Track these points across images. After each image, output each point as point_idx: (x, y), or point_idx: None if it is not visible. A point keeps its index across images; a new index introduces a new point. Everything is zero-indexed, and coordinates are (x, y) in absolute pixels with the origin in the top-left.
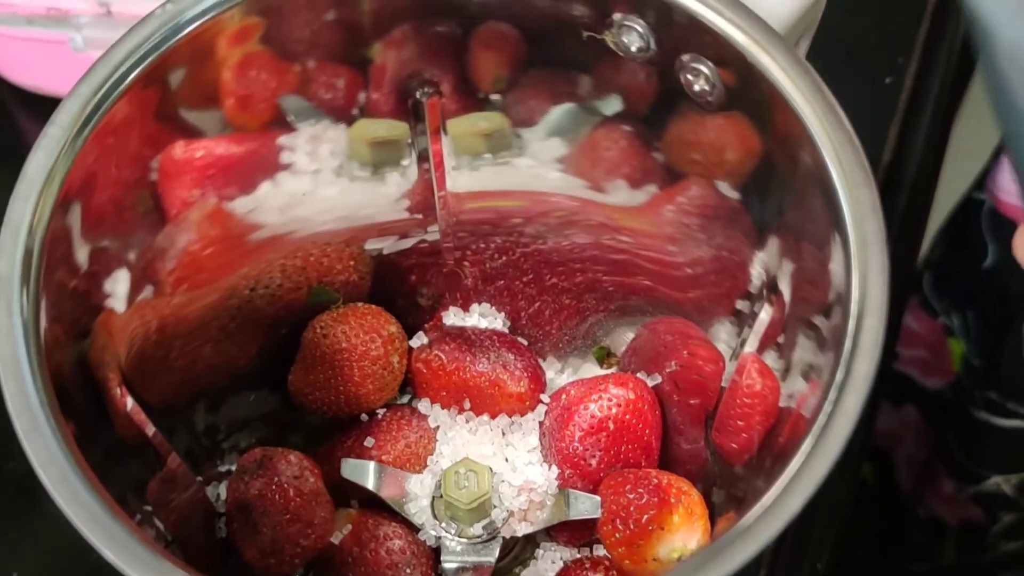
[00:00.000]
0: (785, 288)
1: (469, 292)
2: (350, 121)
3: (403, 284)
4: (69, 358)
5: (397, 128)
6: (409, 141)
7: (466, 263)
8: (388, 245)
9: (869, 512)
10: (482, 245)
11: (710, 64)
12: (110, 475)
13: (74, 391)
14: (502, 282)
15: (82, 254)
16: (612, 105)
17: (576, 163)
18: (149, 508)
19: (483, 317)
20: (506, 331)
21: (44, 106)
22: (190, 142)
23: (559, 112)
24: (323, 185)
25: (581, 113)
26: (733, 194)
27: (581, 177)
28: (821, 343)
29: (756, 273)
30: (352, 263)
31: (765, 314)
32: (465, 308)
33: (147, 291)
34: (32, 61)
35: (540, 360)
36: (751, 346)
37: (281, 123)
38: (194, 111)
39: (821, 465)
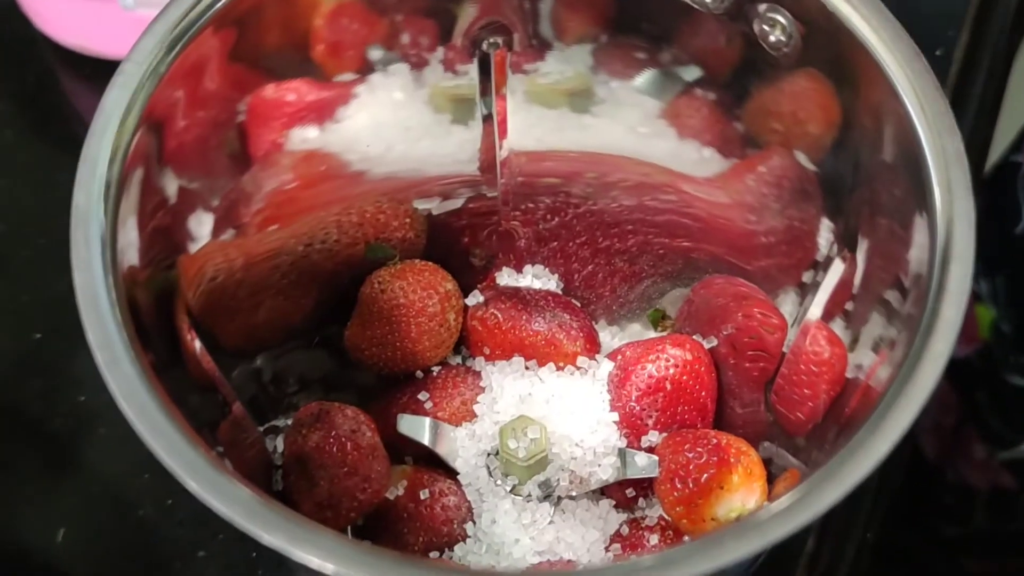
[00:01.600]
0: (860, 254)
1: (523, 253)
2: (430, 77)
3: (457, 244)
4: (147, 295)
5: (471, 83)
6: (476, 97)
7: (520, 223)
8: (442, 205)
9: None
10: (536, 205)
11: (786, 13)
12: (186, 411)
13: (151, 327)
14: (556, 243)
15: (165, 191)
16: (693, 71)
17: (655, 129)
18: (221, 449)
19: (536, 278)
20: (560, 292)
21: (91, 67)
22: (280, 84)
23: (642, 77)
24: (404, 139)
25: (663, 79)
26: (811, 164)
27: (659, 143)
28: (893, 313)
29: (825, 240)
30: (408, 220)
31: (833, 276)
32: (519, 269)
33: (228, 233)
34: (80, 21)
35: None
36: (815, 312)
37: (367, 72)
38: (281, 54)
39: (892, 433)
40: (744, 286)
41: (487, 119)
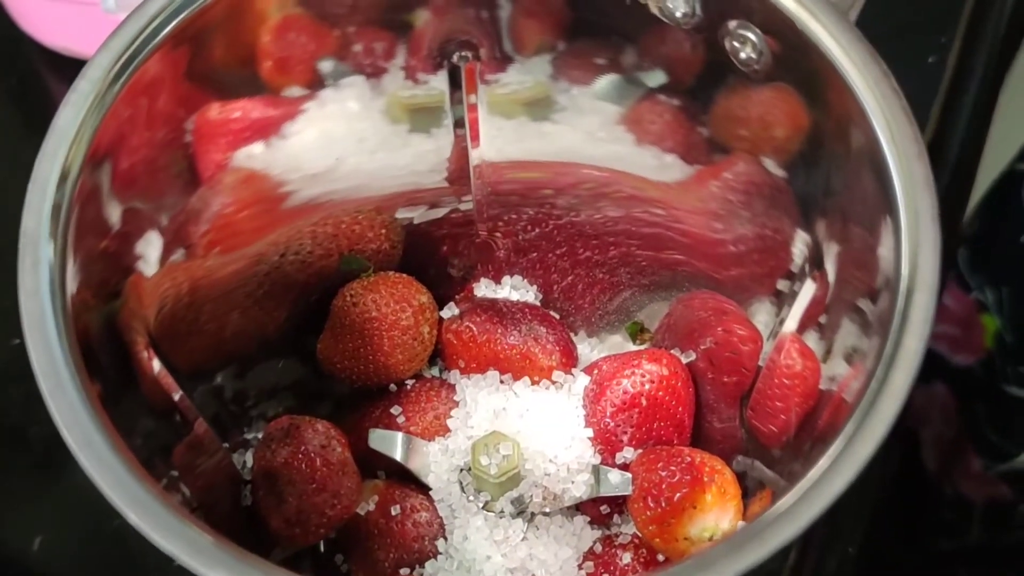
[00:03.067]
0: (830, 267)
1: (501, 264)
2: (388, 86)
3: (434, 254)
4: (97, 319)
5: (434, 94)
6: (445, 107)
7: (499, 234)
8: (420, 214)
9: (895, 492)
10: (515, 216)
11: (757, 31)
12: (136, 437)
13: (101, 352)
14: (535, 254)
15: (114, 214)
16: (657, 77)
17: (618, 135)
18: (175, 473)
19: (515, 289)
20: (538, 304)
21: (75, 68)
22: (226, 103)
23: (602, 83)
24: (358, 151)
25: (625, 85)
26: (780, 171)
27: (623, 150)
28: (866, 324)
29: (799, 252)
30: (384, 231)
31: (807, 293)
32: (497, 280)
33: (179, 254)
34: (63, 23)
35: (572, 335)
36: (790, 326)
37: (318, 86)
38: (229, 72)
39: (866, 447)
40: (723, 301)
41: (458, 129)
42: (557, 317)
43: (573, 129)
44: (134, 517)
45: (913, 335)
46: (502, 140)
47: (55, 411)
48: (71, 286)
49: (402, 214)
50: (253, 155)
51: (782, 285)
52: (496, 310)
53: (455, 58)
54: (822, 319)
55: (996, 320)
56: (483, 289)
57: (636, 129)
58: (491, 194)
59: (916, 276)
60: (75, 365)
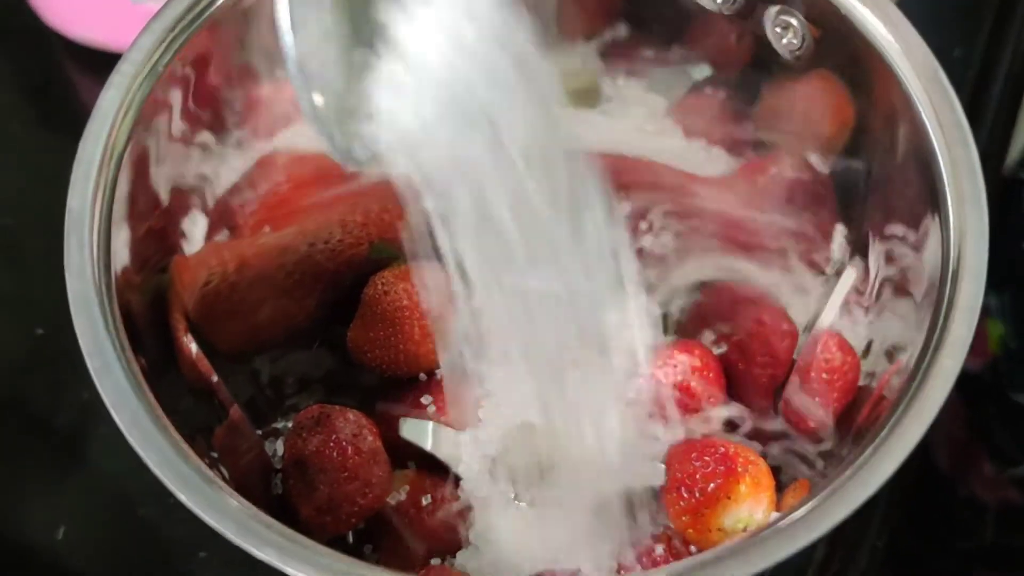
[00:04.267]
0: (872, 260)
1: None
2: None
3: None
4: (141, 298)
5: None
6: None
7: None
8: None
9: (914, 490)
10: None
11: (799, 16)
12: (180, 417)
13: (145, 331)
14: None
15: (162, 192)
16: (702, 69)
17: (666, 128)
18: (216, 455)
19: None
20: None
21: (100, 61)
22: (277, 83)
23: (648, 74)
24: None
25: (671, 77)
26: (823, 166)
27: (669, 143)
28: (909, 318)
29: (839, 245)
30: None
31: (845, 286)
32: None
33: (223, 234)
34: (87, 14)
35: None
36: (828, 319)
37: None
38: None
39: (907, 443)
40: (754, 291)
41: None
42: None
43: (620, 120)
44: (182, 495)
45: (961, 323)
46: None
47: (103, 390)
48: (116, 265)
49: None
50: (302, 137)
51: (819, 281)
52: None
53: None
54: (861, 313)
55: (1000, 325)
56: None
57: (683, 122)
58: None
59: (962, 263)
60: (121, 345)
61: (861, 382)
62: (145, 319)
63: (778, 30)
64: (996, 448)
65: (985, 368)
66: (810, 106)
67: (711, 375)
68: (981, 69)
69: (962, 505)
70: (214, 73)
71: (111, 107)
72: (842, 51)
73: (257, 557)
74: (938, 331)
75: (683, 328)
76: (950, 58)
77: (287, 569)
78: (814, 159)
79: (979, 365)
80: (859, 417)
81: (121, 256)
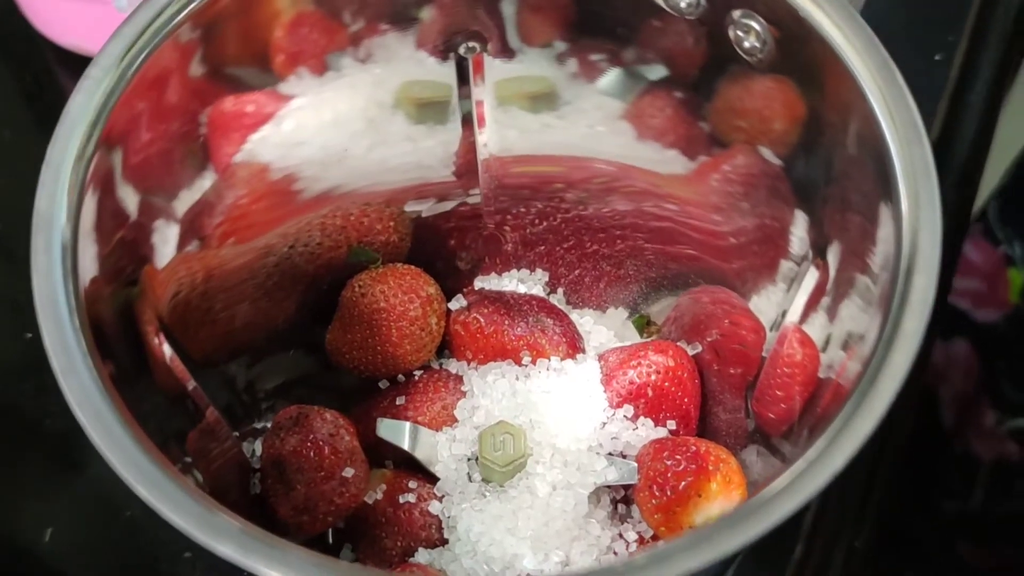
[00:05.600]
0: (832, 256)
1: (509, 257)
2: (396, 81)
3: (443, 247)
4: (112, 305)
5: (442, 88)
6: (453, 102)
7: (506, 227)
8: (428, 207)
9: (910, 452)
10: (523, 210)
11: (761, 20)
12: (151, 421)
13: (115, 337)
14: (542, 247)
15: (130, 203)
16: (659, 70)
17: (622, 129)
18: (189, 459)
19: (522, 282)
20: (545, 297)
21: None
22: (240, 96)
23: (607, 77)
24: (366, 144)
25: (628, 78)
26: (778, 161)
27: (626, 143)
28: (865, 309)
29: (799, 241)
30: (392, 224)
31: (809, 283)
32: (504, 273)
33: (193, 245)
34: (76, 21)
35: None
36: (793, 316)
37: (329, 79)
38: (242, 65)
39: (863, 427)
40: (729, 295)
41: (466, 122)
42: (562, 309)
43: (578, 124)
44: (147, 495)
45: (913, 317)
46: (509, 134)
47: (67, 391)
48: (86, 272)
49: (411, 207)
50: (265, 147)
51: (785, 276)
52: (503, 302)
53: (462, 50)
54: (822, 307)
55: (1021, 275)
56: (491, 282)
57: (637, 124)
58: (499, 188)
59: (916, 258)
60: (88, 346)
61: (821, 374)
62: (116, 326)
63: (740, 33)
64: (1001, 399)
65: (1002, 319)
66: (765, 102)
67: (685, 375)
68: (961, 73)
69: (956, 462)
70: (180, 83)
71: (80, 111)
72: (801, 53)
73: (218, 553)
74: (890, 325)
75: (660, 331)
76: (931, 63)
77: (249, 564)
78: (767, 154)
79: (996, 316)
80: (819, 407)
81: (90, 262)
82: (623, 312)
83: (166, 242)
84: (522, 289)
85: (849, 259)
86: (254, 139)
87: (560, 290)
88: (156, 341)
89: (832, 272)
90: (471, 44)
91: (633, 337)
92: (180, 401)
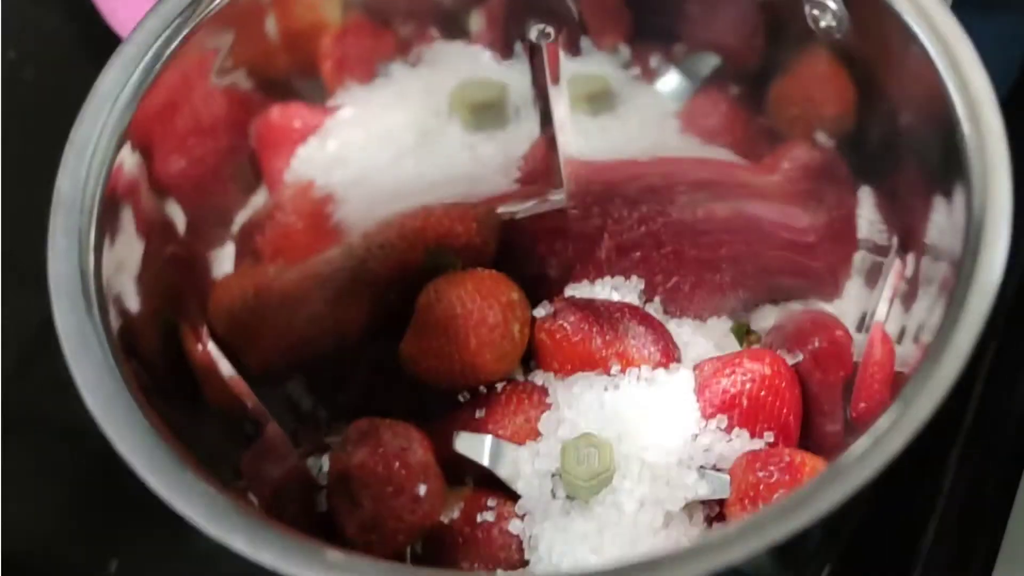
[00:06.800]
0: (910, 252)
1: (602, 264)
2: (450, 83)
3: (532, 253)
4: (152, 321)
5: (495, 89)
6: (515, 101)
7: (602, 232)
8: (518, 209)
9: None
10: (624, 214)
11: None
12: (201, 444)
13: (152, 352)
14: (638, 253)
15: (175, 215)
16: (713, 62)
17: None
18: (242, 483)
19: (616, 290)
20: (639, 305)
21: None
22: (286, 107)
23: (674, 72)
24: (424, 152)
25: (690, 76)
26: (830, 143)
27: (700, 140)
28: (934, 295)
29: (873, 233)
30: (475, 225)
31: (891, 281)
32: (597, 280)
33: (247, 261)
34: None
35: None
36: (879, 315)
37: (381, 86)
38: (288, 73)
39: (914, 419)
40: (819, 308)
41: (544, 121)
42: (657, 318)
43: (657, 121)
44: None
45: (979, 297)
46: (586, 135)
47: (79, 376)
48: (109, 264)
49: (501, 208)
50: (314, 162)
51: (863, 272)
52: (591, 309)
53: (534, 35)
54: (899, 299)
55: None
56: (583, 289)
57: (695, 123)
58: (586, 191)
59: (983, 236)
60: (107, 334)
61: (897, 367)
62: (152, 338)
63: (816, 12)
64: None
65: None
66: (815, 87)
67: (783, 384)
68: None
69: None
70: (216, 75)
71: (110, 89)
72: (876, 30)
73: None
74: (955, 306)
75: (764, 343)
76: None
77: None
78: (824, 140)
79: None
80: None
81: (116, 257)
82: (724, 322)
83: (222, 259)
84: (616, 297)
85: (923, 247)
86: (301, 152)
87: (657, 299)
88: (207, 355)
89: (907, 267)
90: (546, 28)
91: (734, 348)
92: (236, 422)
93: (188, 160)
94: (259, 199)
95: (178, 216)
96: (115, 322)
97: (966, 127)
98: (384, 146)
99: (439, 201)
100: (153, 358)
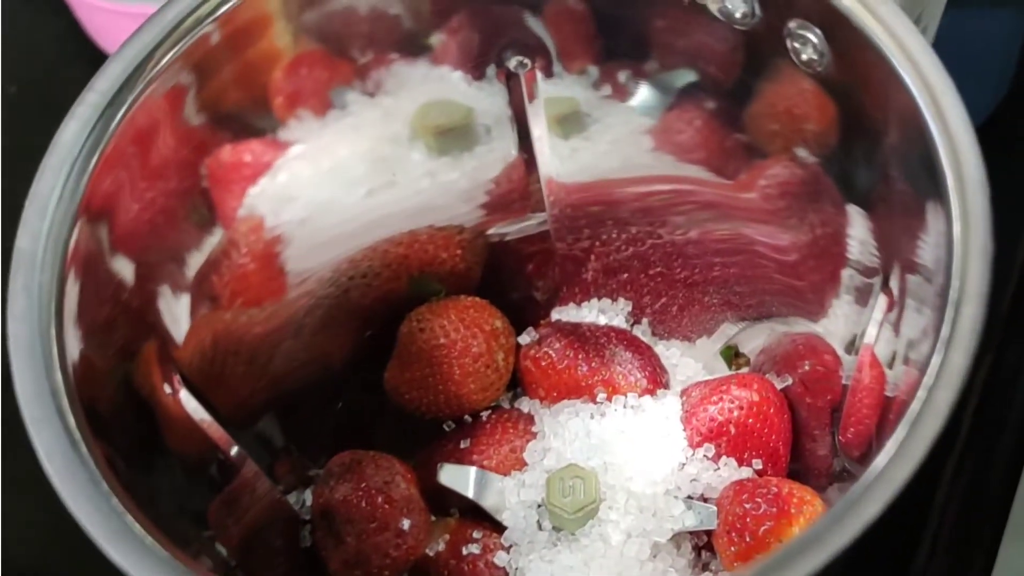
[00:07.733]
0: (898, 271)
1: (588, 286)
2: (408, 109)
3: (518, 276)
4: (109, 378)
5: (460, 111)
6: (484, 122)
7: (588, 254)
8: (508, 232)
9: None
10: (612, 236)
11: (817, 31)
12: (162, 500)
13: (112, 414)
14: (625, 275)
15: (126, 269)
16: (688, 78)
17: (667, 142)
18: (208, 533)
19: (602, 313)
20: (627, 328)
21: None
22: (237, 144)
23: (644, 90)
24: (381, 183)
25: (663, 91)
26: (812, 159)
27: (674, 157)
28: (922, 314)
29: (862, 254)
30: (459, 252)
31: (881, 304)
32: (583, 303)
33: (206, 306)
34: None
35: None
36: (869, 337)
37: (335, 119)
38: (239, 108)
39: (920, 444)
40: (808, 330)
41: (523, 144)
42: (644, 342)
43: (629, 138)
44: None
45: (969, 314)
46: (564, 155)
47: (38, 444)
48: (71, 324)
49: (492, 231)
50: (265, 199)
51: (850, 293)
52: (577, 335)
53: (513, 64)
54: (888, 322)
55: None
56: (569, 312)
57: (670, 140)
58: (569, 213)
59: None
60: (68, 396)
61: (888, 392)
62: (115, 400)
63: (797, 45)
64: None
65: None
66: (815, 111)
67: (771, 411)
68: None
69: None
70: (178, 123)
71: (72, 141)
72: (858, 63)
73: None
74: (947, 324)
75: (753, 365)
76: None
77: None
78: (805, 156)
79: None
80: (888, 427)
81: (80, 316)
82: (713, 343)
83: (179, 309)
84: (603, 320)
85: (910, 267)
86: (253, 190)
87: (645, 320)
88: (178, 402)
89: (895, 291)
90: (522, 59)
91: (723, 370)
92: (202, 469)
93: (141, 204)
94: (214, 240)
95: (135, 265)
96: (75, 380)
97: (943, 153)
98: (336, 180)
99: (399, 232)
100: (115, 413)
